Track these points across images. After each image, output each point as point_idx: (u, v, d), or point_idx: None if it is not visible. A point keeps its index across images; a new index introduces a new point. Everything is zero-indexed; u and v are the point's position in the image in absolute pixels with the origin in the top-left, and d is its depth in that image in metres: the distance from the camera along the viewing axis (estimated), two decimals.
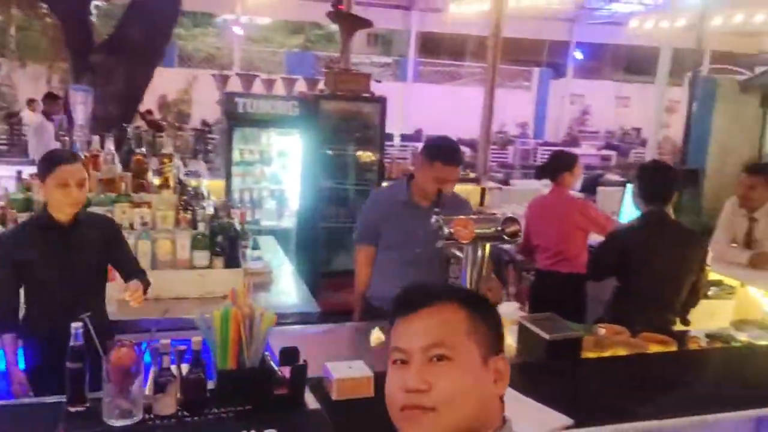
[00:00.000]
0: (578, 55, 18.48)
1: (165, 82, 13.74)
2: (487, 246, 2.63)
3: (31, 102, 11.52)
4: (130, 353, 1.82)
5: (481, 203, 6.71)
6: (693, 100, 9.01)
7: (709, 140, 7.27)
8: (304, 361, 2.05)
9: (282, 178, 5.89)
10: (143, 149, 3.92)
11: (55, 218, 2.51)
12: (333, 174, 5.62)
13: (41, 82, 13.07)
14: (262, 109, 5.38)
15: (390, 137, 14.82)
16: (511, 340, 2.73)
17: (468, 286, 2.60)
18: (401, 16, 16.97)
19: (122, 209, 3.52)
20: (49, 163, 2.48)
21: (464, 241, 2.56)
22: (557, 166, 4.18)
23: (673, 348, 2.74)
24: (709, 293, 3.83)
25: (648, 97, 13.23)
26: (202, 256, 3.51)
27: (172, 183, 3.76)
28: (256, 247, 4.24)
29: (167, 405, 1.90)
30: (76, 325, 1.88)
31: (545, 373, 2.44)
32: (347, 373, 2.10)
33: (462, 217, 2.57)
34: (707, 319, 3.58)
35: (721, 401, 2.24)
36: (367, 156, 5.78)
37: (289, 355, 2.10)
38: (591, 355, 2.60)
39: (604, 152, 15.59)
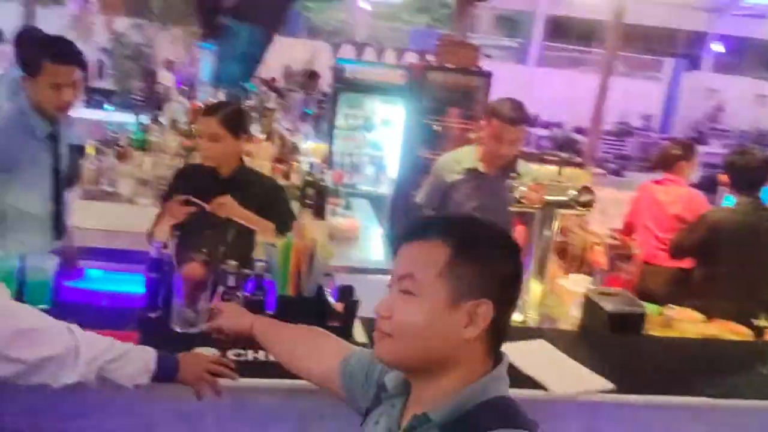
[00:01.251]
0: (718, 47, 17.30)
1: (290, 53, 14.23)
2: (558, 214, 2.63)
3: (168, 62, 12.37)
4: (200, 268, 2.01)
5: None
6: None
7: None
8: (357, 298, 2.17)
9: (383, 146, 6.03)
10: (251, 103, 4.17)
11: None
12: (432, 145, 5.68)
13: (178, 44, 13.88)
14: (369, 76, 5.53)
15: None
16: (575, 312, 2.72)
17: (534, 258, 2.62)
18: None
19: None
20: None
21: (535, 206, 2.57)
22: (673, 154, 4.04)
23: (747, 338, 2.62)
24: None
25: None
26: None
27: (271, 137, 3.99)
28: (348, 207, 4.42)
29: None
30: (156, 243, 2.09)
31: (599, 343, 2.42)
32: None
33: (536, 182, 2.59)
34: None
35: None
36: (472, 134, 5.78)
37: (345, 292, 2.23)
38: (656, 333, 2.55)
39: None
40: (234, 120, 2.58)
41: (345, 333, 2.14)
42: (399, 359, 1.16)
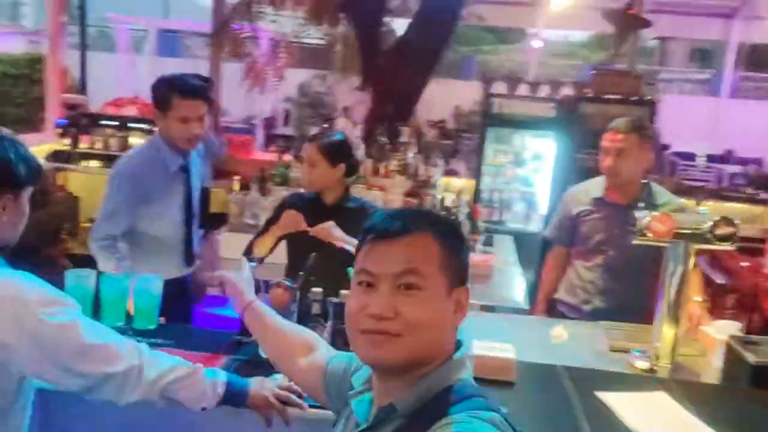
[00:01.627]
0: None
1: (460, 94, 14.42)
2: (694, 249, 2.31)
3: (345, 109, 13.09)
4: (284, 294, 2.01)
5: None
6: None
7: None
8: None
9: (533, 181, 5.80)
10: (386, 140, 4.22)
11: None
12: (586, 179, 5.35)
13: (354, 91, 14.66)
14: (517, 109, 5.37)
15: (691, 156, 13.52)
16: (717, 362, 2.36)
17: (665, 299, 2.32)
18: (722, 24, 15.29)
19: (358, 191, 3.86)
20: None
21: (662, 239, 2.29)
22: None
23: None
24: None
25: None
26: None
27: (405, 171, 3.99)
28: (488, 243, 4.30)
29: None
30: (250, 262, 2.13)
31: (736, 400, 2.06)
32: (491, 352, 2.03)
33: (663, 212, 2.31)
34: None
35: None
36: None
37: None
38: None
39: None
40: (332, 148, 2.62)
41: None
42: (409, 358, 1.12)
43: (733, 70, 15.91)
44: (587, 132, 5.29)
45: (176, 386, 1.60)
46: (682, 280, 2.33)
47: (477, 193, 5.53)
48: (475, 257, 3.87)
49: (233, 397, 1.68)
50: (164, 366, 1.60)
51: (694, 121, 13.65)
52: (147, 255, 2.77)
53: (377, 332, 1.11)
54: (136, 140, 5.59)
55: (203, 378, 1.65)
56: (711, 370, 2.36)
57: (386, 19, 7.30)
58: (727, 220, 2.25)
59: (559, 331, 2.56)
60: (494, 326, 2.90)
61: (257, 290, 2.05)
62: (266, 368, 1.90)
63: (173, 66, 8.22)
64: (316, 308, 2.05)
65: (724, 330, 2.48)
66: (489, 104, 5.45)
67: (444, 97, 14.64)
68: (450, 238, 1.16)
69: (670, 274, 2.34)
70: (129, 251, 2.72)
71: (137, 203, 2.70)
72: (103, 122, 6.10)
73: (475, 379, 1.98)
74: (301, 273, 2.13)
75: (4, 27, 15.52)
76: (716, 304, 4.19)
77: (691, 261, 2.34)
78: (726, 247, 2.28)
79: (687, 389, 2.07)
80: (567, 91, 5.94)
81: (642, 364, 2.33)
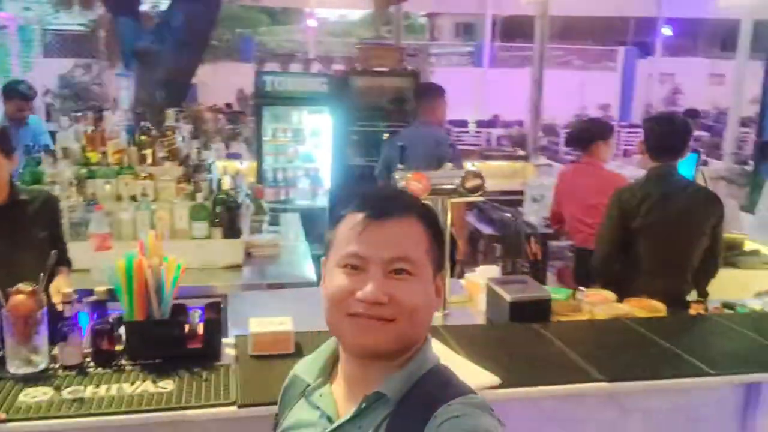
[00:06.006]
0: (667, 31, 17.37)
1: (242, 77, 14.17)
2: (449, 202, 2.46)
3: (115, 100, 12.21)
4: (27, 300, 1.80)
5: None
6: None
7: None
8: (217, 315, 1.98)
9: (315, 157, 5.86)
10: (148, 126, 3.95)
11: None
12: (365, 152, 5.52)
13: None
14: (290, 86, 5.36)
15: (464, 123, 14.59)
16: (483, 304, 2.55)
17: None
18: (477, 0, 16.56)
19: (125, 181, 3.58)
20: None
21: (421, 196, 2.40)
22: (591, 134, 3.88)
23: (661, 314, 2.45)
24: (746, 264, 3.44)
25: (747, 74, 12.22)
26: (200, 227, 3.52)
27: (175, 156, 3.78)
28: (275, 223, 4.24)
29: (71, 355, 1.87)
30: None
31: (499, 335, 2.25)
32: (266, 328, 2.00)
33: (416, 172, 2.42)
34: (739, 289, 3.20)
35: (700, 367, 1.98)
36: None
37: (212, 309, 2.04)
38: (563, 318, 2.37)
39: (697, 133, 14.57)
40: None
41: (208, 355, 1.95)
42: (400, 343, 1.10)
43: (490, 41, 17.37)
44: (360, 105, 5.46)
45: None
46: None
47: (260, 173, 5.45)
48: (260, 238, 3.82)
49: None
50: None
51: (463, 91, 14.67)
52: None
53: (370, 317, 1.06)
54: None
55: None
56: (478, 312, 2.54)
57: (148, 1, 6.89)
58: (474, 173, 2.42)
59: None
60: (279, 302, 2.90)
61: None
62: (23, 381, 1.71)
63: None
64: (68, 310, 1.86)
65: (485, 274, 2.69)
66: (262, 83, 5.37)
67: (225, 81, 14.32)
68: (434, 224, 1.15)
69: None
70: None
71: None
72: None
73: (255, 356, 1.98)
74: (42, 274, 1.92)
75: None
76: (488, 252, 4.56)
77: (449, 215, 2.48)
78: (477, 198, 2.47)
79: (455, 333, 2.21)
80: (337, 66, 6.06)
81: None
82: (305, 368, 1.20)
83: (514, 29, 19.15)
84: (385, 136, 5.14)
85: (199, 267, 3.46)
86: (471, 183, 2.39)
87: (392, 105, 5.55)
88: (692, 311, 2.57)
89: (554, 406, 1.96)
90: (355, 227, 1.08)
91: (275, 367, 1.87)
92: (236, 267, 3.48)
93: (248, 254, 3.66)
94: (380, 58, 5.54)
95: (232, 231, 3.60)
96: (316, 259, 3.86)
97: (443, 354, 2.02)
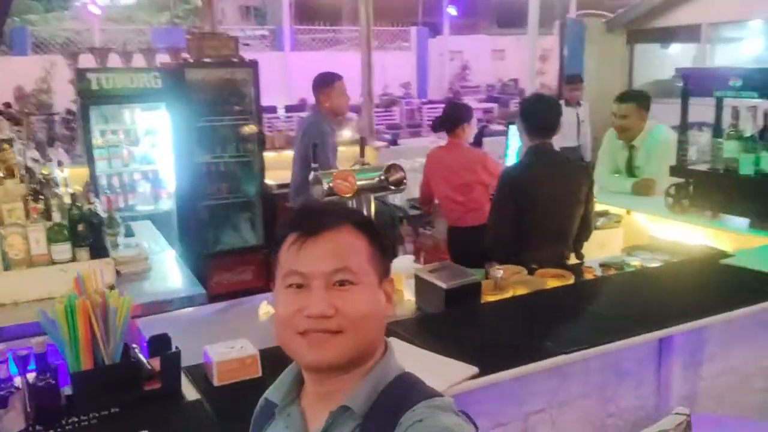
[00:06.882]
0: (452, 11, 18.57)
1: (20, 73, 12.71)
2: (372, 198, 2.45)
3: None
4: None
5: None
6: (564, 44, 9.21)
7: (583, 80, 7.45)
8: (176, 348, 1.80)
9: (153, 158, 5.46)
10: None
11: None
12: (209, 148, 5.26)
13: None
14: (120, 83, 4.91)
15: (273, 109, 14.41)
16: (409, 294, 2.59)
17: None
18: None
19: None
20: None
21: (347, 195, 2.37)
22: (456, 118, 4.07)
23: (571, 281, 2.68)
24: (598, 224, 3.84)
25: (522, 49, 13.44)
26: (62, 249, 3.13)
27: (16, 172, 3.31)
28: (129, 234, 3.90)
29: (14, 420, 1.60)
30: None
31: (446, 324, 2.30)
32: (229, 355, 1.86)
33: (340, 169, 2.38)
34: (598, 249, 3.58)
35: (624, 327, 2.19)
36: (249, 128, 5.44)
37: (159, 343, 1.84)
38: (491, 298, 2.49)
39: (486, 105, 15.80)
40: None
41: (169, 395, 1.77)
42: (353, 353, 1.09)
43: (289, 25, 17.27)
44: (200, 99, 5.17)
45: None
46: None
47: (93, 180, 4.95)
48: (126, 254, 3.49)
49: None
50: None
51: (269, 76, 14.53)
52: None
53: (318, 331, 1.06)
54: None
55: None
56: (406, 302, 2.57)
57: None
58: (396, 166, 2.44)
59: (266, 308, 2.49)
60: (201, 321, 2.68)
61: None
62: None
63: None
64: (2, 371, 1.58)
65: (402, 265, 2.73)
66: (86, 81, 4.85)
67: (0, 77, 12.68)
68: (371, 230, 1.14)
69: None
70: None
71: None
72: None
73: (221, 387, 1.83)
74: None
75: None
76: (433, 249, 4.65)
77: (372, 209, 2.48)
78: (398, 191, 2.49)
79: (403, 328, 2.22)
80: (164, 58, 5.65)
81: None
82: (273, 390, 1.21)
83: (310, 12, 19.22)
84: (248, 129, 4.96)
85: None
86: (394, 176, 2.40)
87: (234, 97, 5.33)
88: (587, 275, 2.84)
89: (511, 384, 2.07)
90: (292, 247, 1.10)
91: (249, 396, 1.75)
92: (110, 289, 3.16)
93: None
94: (213, 48, 5.26)
95: (98, 249, 3.26)
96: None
97: (410, 352, 2.04)
